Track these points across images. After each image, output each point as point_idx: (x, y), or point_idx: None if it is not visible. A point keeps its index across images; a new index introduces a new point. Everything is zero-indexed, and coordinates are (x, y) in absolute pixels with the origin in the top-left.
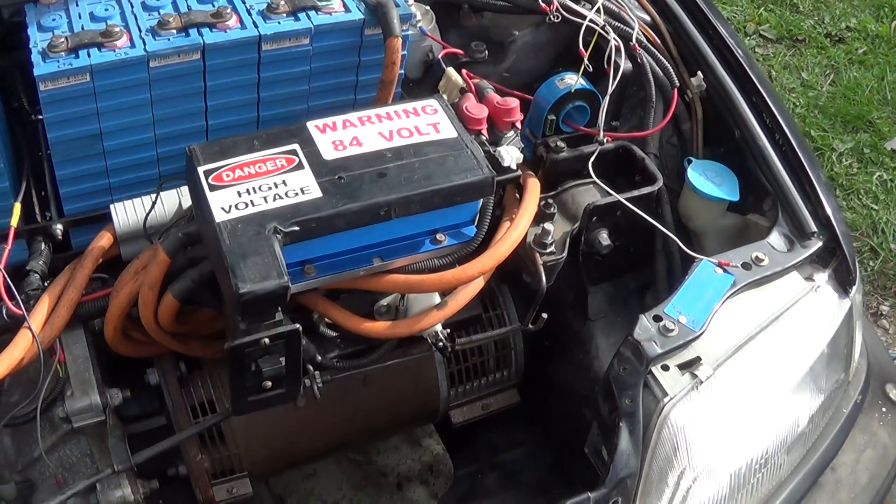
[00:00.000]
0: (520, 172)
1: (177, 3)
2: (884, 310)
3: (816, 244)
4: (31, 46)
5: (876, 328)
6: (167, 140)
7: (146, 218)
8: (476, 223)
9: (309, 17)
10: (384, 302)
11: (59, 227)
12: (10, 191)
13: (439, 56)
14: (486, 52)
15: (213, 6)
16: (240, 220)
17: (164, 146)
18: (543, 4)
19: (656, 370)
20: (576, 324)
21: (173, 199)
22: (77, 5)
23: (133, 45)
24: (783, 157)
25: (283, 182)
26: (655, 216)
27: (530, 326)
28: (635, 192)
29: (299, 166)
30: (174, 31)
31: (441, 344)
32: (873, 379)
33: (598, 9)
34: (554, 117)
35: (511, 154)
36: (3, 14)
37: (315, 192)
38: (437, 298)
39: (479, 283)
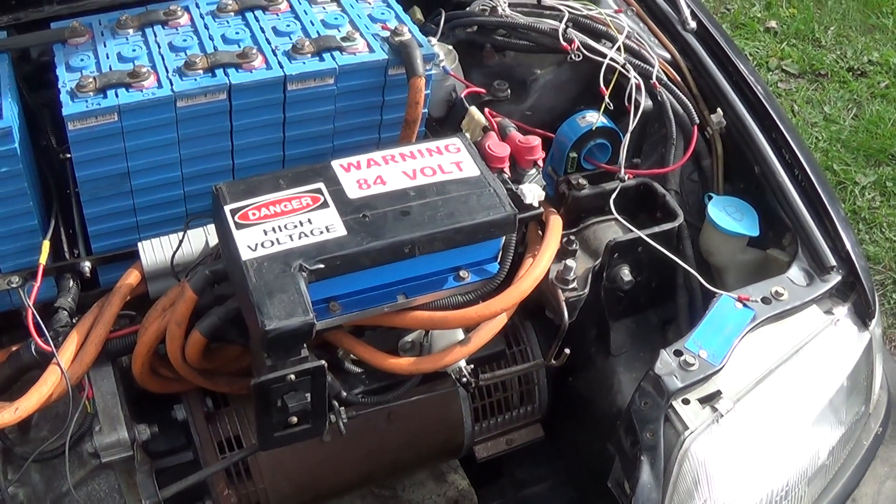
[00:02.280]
0: (542, 209)
1: (203, 43)
2: None
3: (836, 278)
4: (59, 86)
5: None
6: (194, 179)
7: (173, 256)
8: (499, 260)
9: (333, 58)
10: (409, 338)
11: (87, 265)
12: (39, 229)
13: (462, 95)
14: (509, 90)
15: (239, 47)
16: (266, 258)
17: (190, 185)
18: (564, 43)
19: (677, 404)
20: (598, 359)
21: (200, 237)
22: (104, 46)
23: (160, 86)
24: (802, 193)
25: (309, 220)
26: (676, 252)
27: (553, 362)
28: (656, 229)
29: (324, 205)
30: (201, 72)
31: (465, 380)
32: (894, 411)
33: (619, 47)
34: (575, 155)
35: (533, 192)
36: (32, 53)
37: (340, 230)
38: (460, 334)
39: (502, 320)
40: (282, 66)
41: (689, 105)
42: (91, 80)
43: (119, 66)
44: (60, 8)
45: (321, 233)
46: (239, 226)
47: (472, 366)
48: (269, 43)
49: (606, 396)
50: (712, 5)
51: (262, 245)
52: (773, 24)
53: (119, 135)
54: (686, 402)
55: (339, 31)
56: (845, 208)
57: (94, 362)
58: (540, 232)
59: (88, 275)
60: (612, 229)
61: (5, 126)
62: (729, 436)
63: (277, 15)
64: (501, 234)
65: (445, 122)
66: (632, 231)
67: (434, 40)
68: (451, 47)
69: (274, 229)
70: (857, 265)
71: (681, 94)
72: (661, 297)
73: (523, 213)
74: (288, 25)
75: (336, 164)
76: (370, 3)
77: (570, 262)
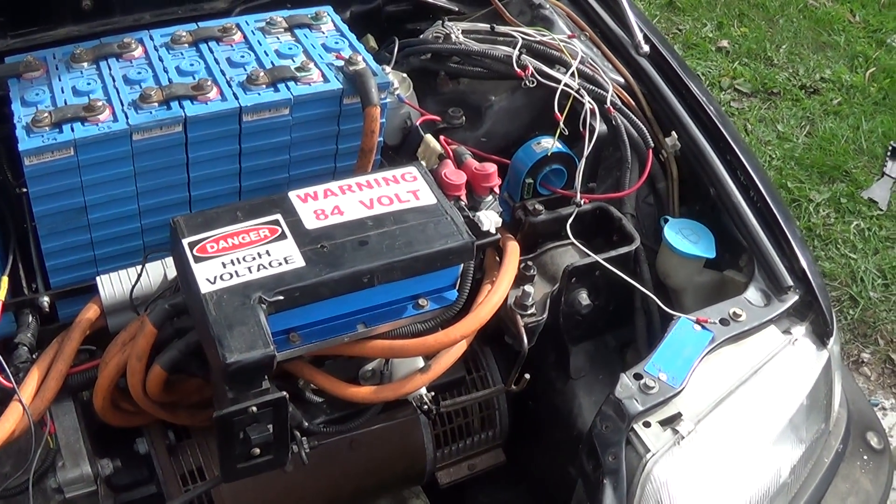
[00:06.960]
0: (499, 236)
1: (158, 76)
2: (864, 357)
3: (793, 298)
4: (15, 121)
5: (857, 376)
6: (151, 211)
7: (132, 289)
8: (457, 287)
9: (288, 88)
10: (369, 367)
11: (45, 300)
12: None
13: (417, 123)
14: (463, 117)
15: (194, 79)
16: (225, 291)
17: (148, 217)
18: (518, 70)
19: (638, 427)
20: (558, 383)
21: (158, 271)
22: (59, 80)
23: (116, 119)
24: (758, 214)
25: (267, 252)
26: (634, 275)
27: (513, 387)
28: (613, 253)
29: (282, 236)
30: (156, 105)
31: (426, 407)
32: (854, 427)
33: (573, 73)
34: (531, 181)
35: (490, 218)
36: None
37: (298, 261)
38: (420, 362)
39: (461, 347)
40: (237, 98)
41: (644, 129)
42: (46, 114)
43: (74, 100)
44: (14, 42)
45: (280, 264)
46: (197, 259)
47: (432, 393)
48: (223, 74)
49: (567, 420)
50: (664, 26)
51: (221, 278)
52: (724, 43)
53: (75, 169)
54: (647, 424)
55: (294, 62)
56: (800, 225)
57: (55, 398)
58: (497, 258)
59: (47, 309)
60: (569, 254)
61: None
62: (690, 457)
63: (232, 46)
64: (459, 261)
65: (401, 149)
66: (589, 255)
67: (388, 68)
68: (405, 75)
69: (232, 262)
70: (813, 284)
71: (635, 118)
72: (620, 320)
73: (481, 240)
74: (242, 56)
75: (293, 195)
76: (324, 33)
77: (528, 287)
